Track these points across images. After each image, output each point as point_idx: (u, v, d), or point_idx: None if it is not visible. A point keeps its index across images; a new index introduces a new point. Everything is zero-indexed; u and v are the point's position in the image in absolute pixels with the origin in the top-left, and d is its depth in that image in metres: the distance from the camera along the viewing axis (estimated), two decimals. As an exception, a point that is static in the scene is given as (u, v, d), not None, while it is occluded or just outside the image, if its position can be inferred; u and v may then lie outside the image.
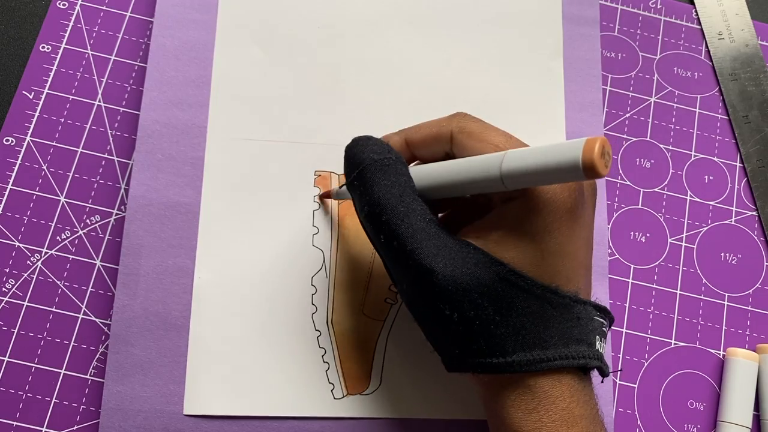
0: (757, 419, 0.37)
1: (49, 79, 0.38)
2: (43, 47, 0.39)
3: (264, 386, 0.34)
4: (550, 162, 0.22)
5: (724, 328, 0.39)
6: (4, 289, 0.35)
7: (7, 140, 0.37)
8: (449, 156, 0.28)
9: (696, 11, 0.45)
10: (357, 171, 0.28)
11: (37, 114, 0.38)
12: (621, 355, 0.38)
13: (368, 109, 0.39)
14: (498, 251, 0.25)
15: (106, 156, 0.38)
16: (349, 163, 0.29)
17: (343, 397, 0.34)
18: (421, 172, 0.28)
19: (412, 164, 0.29)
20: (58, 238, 0.36)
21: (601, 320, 0.27)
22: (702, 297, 0.39)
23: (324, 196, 0.36)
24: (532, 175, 0.23)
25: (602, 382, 0.36)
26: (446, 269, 0.25)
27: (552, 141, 0.39)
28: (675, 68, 0.44)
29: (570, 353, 0.25)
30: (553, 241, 0.25)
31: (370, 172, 0.27)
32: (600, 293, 0.37)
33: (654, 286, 0.39)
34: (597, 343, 0.26)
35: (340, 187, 0.34)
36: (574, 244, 0.26)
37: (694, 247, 0.40)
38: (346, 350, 0.35)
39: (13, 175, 0.37)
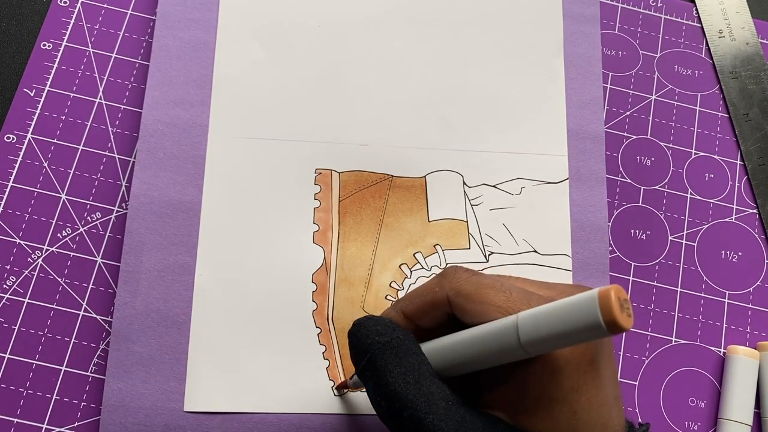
0: (758, 417, 0.37)
1: (50, 77, 0.38)
2: (44, 45, 0.39)
3: (264, 383, 0.34)
4: (570, 326, 0.21)
5: (724, 325, 0.39)
6: (5, 286, 0.35)
7: (8, 137, 0.37)
8: (451, 318, 0.27)
9: (696, 9, 0.45)
10: (366, 359, 0.26)
11: (38, 111, 0.38)
12: (621, 353, 0.38)
13: (369, 107, 0.39)
14: (530, 424, 0.24)
15: (107, 153, 0.38)
16: (356, 350, 0.27)
17: (344, 393, 0.34)
18: (433, 352, 0.26)
19: (423, 342, 0.27)
20: (59, 235, 0.36)
21: None
22: (702, 294, 0.39)
23: (341, 387, 0.34)
24: (555, 341, 0.22)
25: None
26: None
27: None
28: (675, 66, 0.44)
29: None
30: (583, 398, 0.24)
31: (381, 358, 0.25)
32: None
33: (654, 283, 0.39)
34: None
35: (351, 378, 0.32)
36: (604, 391, 0.25)
37: (695, 244, 0.40)
38: (347, 347, 0.35)
39: (14, 172, 0.37)
